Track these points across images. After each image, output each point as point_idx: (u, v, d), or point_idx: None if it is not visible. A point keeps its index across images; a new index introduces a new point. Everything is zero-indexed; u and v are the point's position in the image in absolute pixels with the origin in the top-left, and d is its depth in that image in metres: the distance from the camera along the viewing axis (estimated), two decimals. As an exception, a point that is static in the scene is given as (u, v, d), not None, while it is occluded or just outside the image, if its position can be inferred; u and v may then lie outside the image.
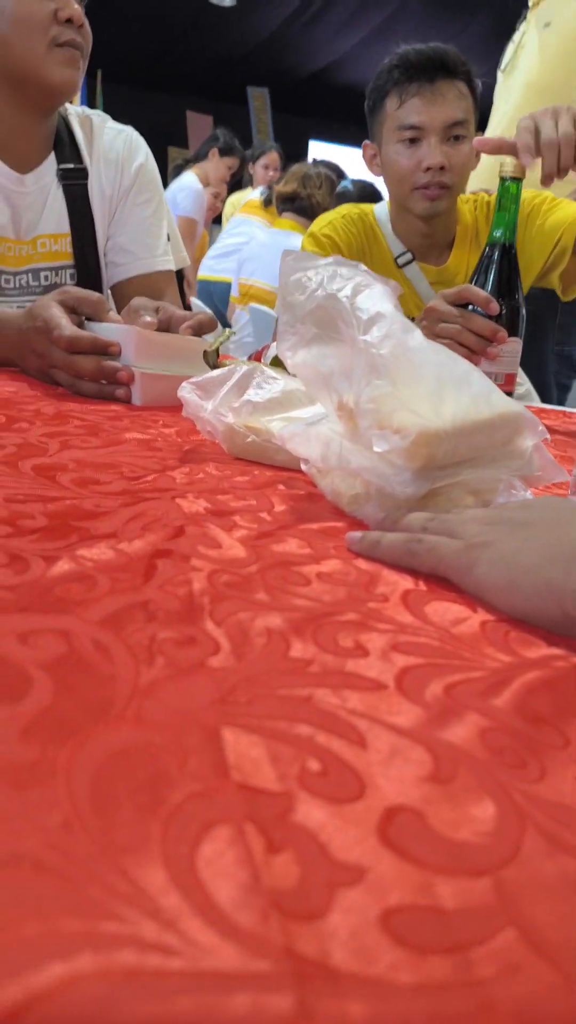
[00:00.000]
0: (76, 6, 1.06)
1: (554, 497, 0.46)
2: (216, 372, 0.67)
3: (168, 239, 1.29)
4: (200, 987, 0.16)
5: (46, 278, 1.20)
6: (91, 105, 6.93)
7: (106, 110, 4.62)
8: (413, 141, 1.33)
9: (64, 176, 1.19)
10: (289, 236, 3.01)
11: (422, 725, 0.27)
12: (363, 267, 0.53)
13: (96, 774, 0.23)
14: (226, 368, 0.68)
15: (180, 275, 2.19)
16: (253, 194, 3.97)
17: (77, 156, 1.21)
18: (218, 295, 3.37)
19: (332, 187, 3.13)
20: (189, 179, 3.80)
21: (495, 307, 1.04)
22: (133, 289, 1.24)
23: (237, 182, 4.95)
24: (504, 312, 1.05)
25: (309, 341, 0.50)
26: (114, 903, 0.18)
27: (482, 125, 1.67)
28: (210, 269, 3.76)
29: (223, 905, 0.18)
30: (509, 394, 1.10)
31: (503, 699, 0.30)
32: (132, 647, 0.30)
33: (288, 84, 9.24)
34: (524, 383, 1.74)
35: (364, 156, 1.45)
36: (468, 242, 1.48)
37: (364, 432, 0.49)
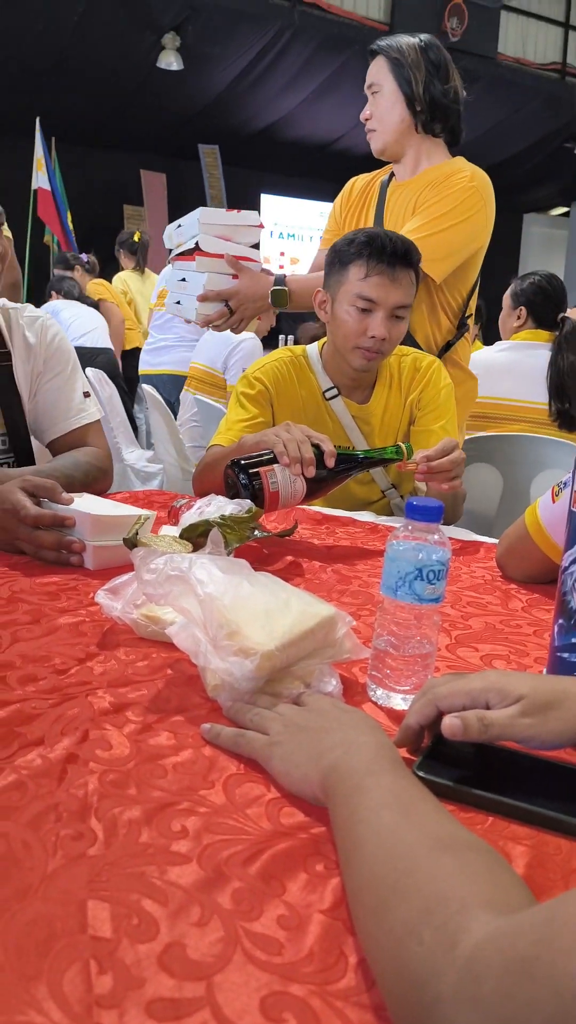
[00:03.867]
0: None
1: (329, 704, 0.69)
2: (137, 550, 0.91)
3: (86, 395, 1.55)
4: (56, 1042, 0.39)
5: None
6: (50, 166, 7.16)
7: (62, 171, 4.93)
8: (365, 310, 1.58)
9: None
10: None
11: (201, 886, 0.50)
12: (186, 556, 0.79)
13: (18, 932, 0.45)
14: (140, 552, 0.91)
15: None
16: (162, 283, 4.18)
17: (0, 342, 1.47)
18: (160, 387, 3.65)
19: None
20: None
21: (332, 462, 1.28)
22: (63, 443, 1.53)
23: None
24: (325, 474, 1.29)
25: (175, 598, 0.74)
26: (19, 1005, 0.41)
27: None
28: (147, 364, 4.06)
29: (72, 1003, 0.41)
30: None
31: (255, 865, 0.53)
32: (44, 843, 0.53)
33: (238, 140, 9.58)
34: None
35: (315, 300, 1.70)
36: (388, 386, 1.74)
37: (222, 651, 0.73)
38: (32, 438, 1.54)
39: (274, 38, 7.44)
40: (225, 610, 0.75)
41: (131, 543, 1.01)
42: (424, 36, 1.90)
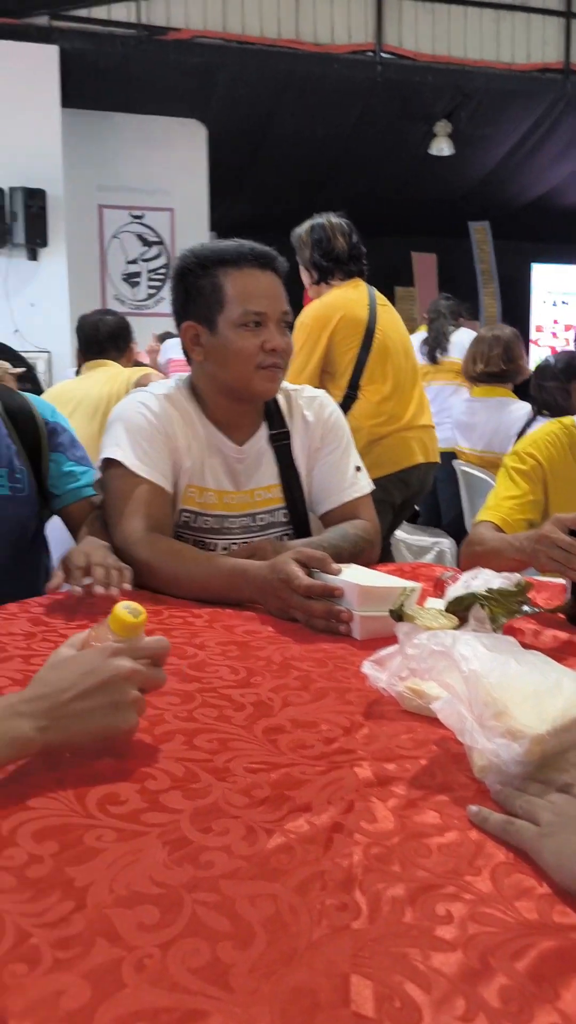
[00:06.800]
0: (279, 339, 1.43)
1: None
2: (401, 625, 0.92)
3: (357, 469, 1.60)
4: None
5: (262, 519, 1.57)
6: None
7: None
8: None
9: (273, 439, 1.57)
10: (491, 400, 3.34)
11: (465, 977, 0.48)
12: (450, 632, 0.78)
13: (283, 998, 0.46)
14: (404, 628, 0.91)
15: None
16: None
17: (282, 422, 1.58)
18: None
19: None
20: None
21: None
22: (334, 516, 1.58)
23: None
24: None
25: (439, 673, 0.74)
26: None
27: None
28: None
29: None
30: None
31: (524, 962, 0.50)
32: (310, 910, 0.54)
33: (508, 214, 9.60)
34: None
35: None
36: None
37: (489, 731, 0.71)
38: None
39: (546, 111, 7.44)
40: (491, 688, 0.73)
41: (397, 614, 1.02)
42: (316, 219, 2.71)
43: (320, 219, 2.70)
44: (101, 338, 3.11)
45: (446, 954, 0.50)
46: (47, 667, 0.76)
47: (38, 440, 1.62)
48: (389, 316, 2.75)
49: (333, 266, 2.68)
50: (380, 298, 2.77)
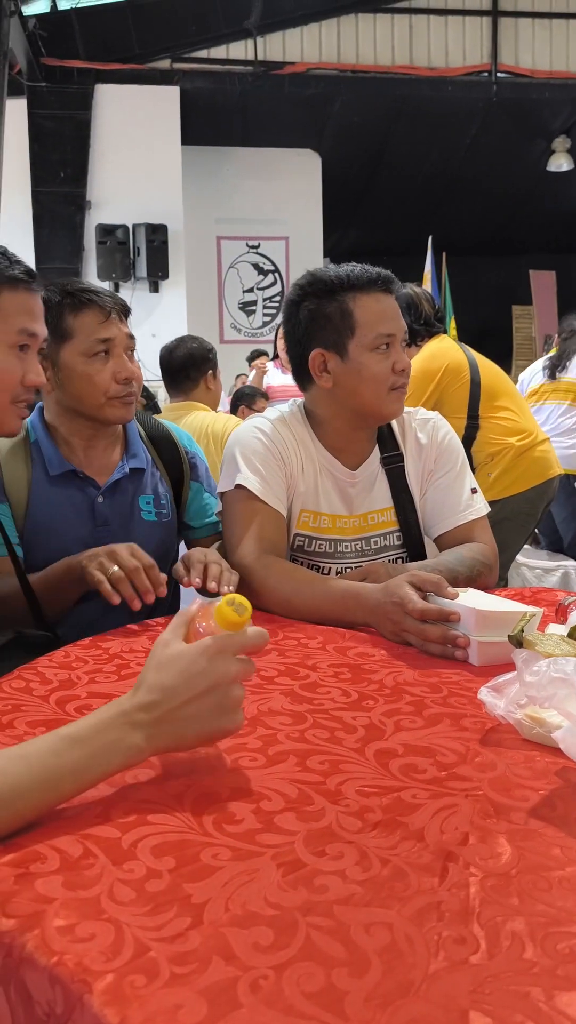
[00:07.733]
0: (404, 359, 1.45)
1: None
2: (519, 651, 0.89)
3: (472, 491, 1.58)
4: None
5: (376, 543, 1.56)
6: (438, 279, 7.61)
7: (452, 281, 5.22)
8: None
9: (385, 462, 1.57)
10: None
11: (592, 1024, 0.46)
12: (571, 659, 0.75)
13: (400, 1030, 0.45)
14: (522, 654, 0.89)
15: None
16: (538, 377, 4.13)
17: (395, 445, 1.58)
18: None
19: None
20: None
21: None
22: (449, 538, 1.56)
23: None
24: None
25: (560, 701, 0.71)
26: None
27: None
28: None
29: None
30: None
31: None
32: (427, 941, 0.53)
33: (632, 228, 9.32)
34: None
35: None
36: None
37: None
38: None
39: None
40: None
41: (516, 640, 0.99)
42: (401, 290, 2.66)
43: (404, 289, 2.96)
44: (173, 368, 3.08)
45: (570, 994, 0.48)
46: (154, 667, 0.76)
47: (181, 469, 1.70)
48: (479, 355, 3.01)
49: (423, 329, 2.96)
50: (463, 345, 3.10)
